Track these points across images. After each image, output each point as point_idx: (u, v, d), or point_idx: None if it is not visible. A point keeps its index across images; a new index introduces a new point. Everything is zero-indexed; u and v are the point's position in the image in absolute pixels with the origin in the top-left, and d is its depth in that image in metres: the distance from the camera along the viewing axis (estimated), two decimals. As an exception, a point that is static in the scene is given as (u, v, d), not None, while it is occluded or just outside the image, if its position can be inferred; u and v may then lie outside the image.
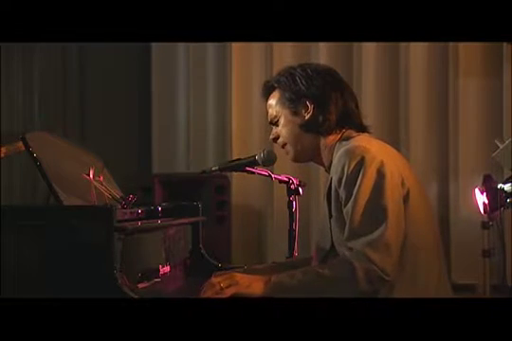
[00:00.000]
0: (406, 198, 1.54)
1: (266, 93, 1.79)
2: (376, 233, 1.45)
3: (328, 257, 1.65)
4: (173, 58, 4.46)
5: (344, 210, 1.53)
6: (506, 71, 3.63)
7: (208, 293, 1.52)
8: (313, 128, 1.68)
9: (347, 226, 1.52)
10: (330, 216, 1.64)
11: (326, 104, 1.66)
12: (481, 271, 2.92)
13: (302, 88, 1.67)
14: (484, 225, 2.82)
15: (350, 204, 1.50)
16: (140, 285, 1.65)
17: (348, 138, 1.65)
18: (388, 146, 1.70)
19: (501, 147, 2.79)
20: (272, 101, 1.75)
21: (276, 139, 1.77)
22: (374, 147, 1.58)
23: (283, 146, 1.76)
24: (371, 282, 1.45)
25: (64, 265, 1.51)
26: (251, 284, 1.55)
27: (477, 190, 2.78)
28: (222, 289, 1.50)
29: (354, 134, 1.67)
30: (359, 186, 1.49)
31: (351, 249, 1.50)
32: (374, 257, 1.43)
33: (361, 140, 1.63)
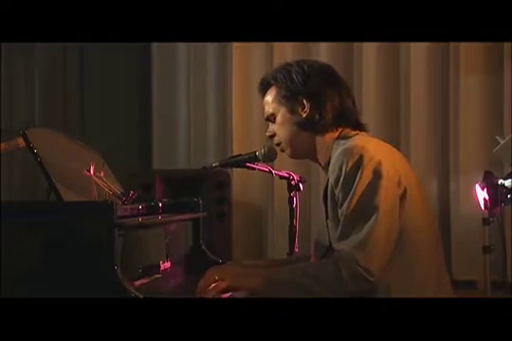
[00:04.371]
0: (403, 197, 1.53)
1: (263, 89, 1.78)
2: (364, 234, 1.45)
3: (326, 256, 1.65)
4: (173, 58, 4.46)
5: (340, 211, 1.53)
6: (507, 68, 3.63)
7: (203, 285, 1.53)
8: (309, 126, 1.67)
9: (339, 227, 1.52)
10: (327, 216, 1.64)
11: (323, 102, 1.65)
12: (481, 267, 2.92)
13: (299, 86, 1.66)
14: (485, 221, 2.82)
15: (345, 204, 1.50)
16: (141, 281, 1.66)
17: (346, 137, 1.65)
18: (386, 145, 1.70)
19: (501, 143, 2.79)
20: (269, 98, 1.74)
21: (273, 136, 1.77)
22: (372, 146, 1.58)
23: (279, 144, 1.76)
24: (355, 283, 1.44)
25: (64, 261, 1.51)
26: (245, 278, 1.56)
27: (477, 186, 2.78)
28: (216, 281, 1.51)
29: (351, 132, 1.66)
30: (356, 186, 1.48)
31: (341, 249, 1.50)
32: (359, 257, 1.43)
33: (360, 139, 1.62)
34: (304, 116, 1.65)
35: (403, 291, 1.49)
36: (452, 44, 3.70)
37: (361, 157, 1.50)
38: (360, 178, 1.48)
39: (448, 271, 1.86)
